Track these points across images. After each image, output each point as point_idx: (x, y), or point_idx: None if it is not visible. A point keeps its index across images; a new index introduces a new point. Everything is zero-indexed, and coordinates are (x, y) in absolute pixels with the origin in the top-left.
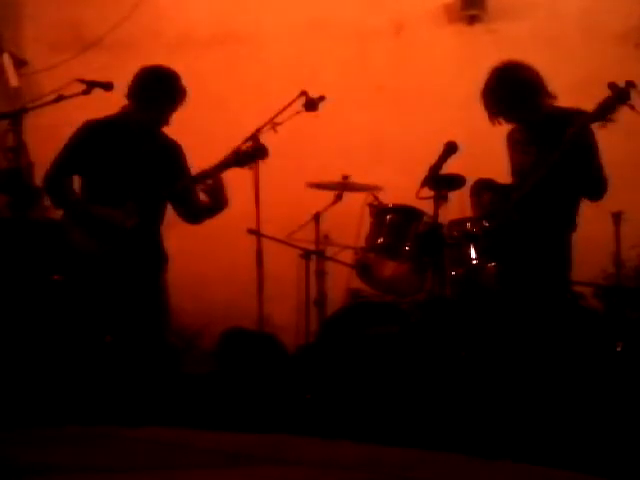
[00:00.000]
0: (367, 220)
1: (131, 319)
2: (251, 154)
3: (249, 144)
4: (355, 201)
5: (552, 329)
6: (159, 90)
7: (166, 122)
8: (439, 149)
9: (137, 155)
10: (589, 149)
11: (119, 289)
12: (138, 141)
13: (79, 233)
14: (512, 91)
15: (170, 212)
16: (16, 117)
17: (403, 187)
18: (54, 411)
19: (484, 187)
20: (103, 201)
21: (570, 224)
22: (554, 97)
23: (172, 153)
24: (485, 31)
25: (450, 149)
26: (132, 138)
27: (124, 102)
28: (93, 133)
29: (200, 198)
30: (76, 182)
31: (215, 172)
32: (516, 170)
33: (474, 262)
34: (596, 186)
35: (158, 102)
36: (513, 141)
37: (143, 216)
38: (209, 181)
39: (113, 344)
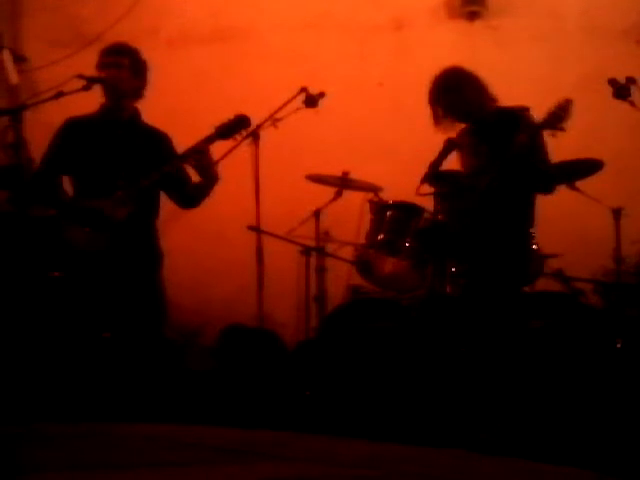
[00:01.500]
0: (367, 216)
1: (128, 315)
2: (233, 125)
3: (231, 117)
4: (355, 197)
5: (550, 325)
6: (113, 52)
7: (139, 89)
8: (439, 146)
9: (122, 147)
10: (536, 148)
11: (115, 285)
12: (121, 133)
13: (73, 230)
14: (454, 92)
15: (168, 208)
16: (16, 113)
17: (403, 183)
18: (52, 408)
19: (442, 179)
20: (92, 196)
21: (528, 220)
22: (496, 100)
23: (157, 142)
24: (485, 28)
25: (450, 146)
26: (115, 131)
27: None
28: (74, 131)
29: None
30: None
31: (200, 147)
32: (469, 172)
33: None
34: (544, 180)
35: (118, 64)
36: (460, 144)
37: (134, 206)
38: (197, 156)
39: (111, 340)
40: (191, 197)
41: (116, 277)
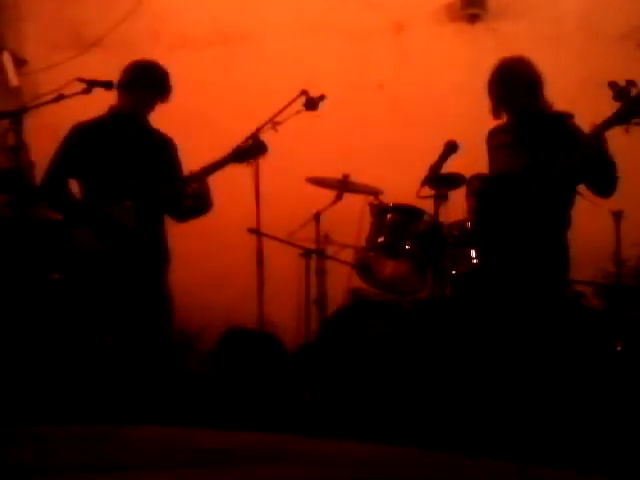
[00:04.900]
0: (367, 219)
1: (134, 318)
2: (249, 150)
3: (248, 141)
4: (355, 200)
5: (552, 328)
6: (148, 79)
7: (151, 109)
8: (439, 148)
9: (129, 152)
10: (602, 152)
11: (121, 288)
12: (129, 138)
13: (80, 233)
14: (520, 82)
15: None
16: (16, 116)
17: (403, 186)
18: (54, 410)
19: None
20: (102, 201)
21: (566, 222)
22: (549, 103)
23: (164, 147)
24: (486, 30)
25: (450, 148)
26: (123, 136)
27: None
28: (83, 135)
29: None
30: (75, 186)
31: (210, 171)
32: (498, 171)
33: (474, 262)
34: (608, 184)
35: (146, 91)
36: (496, 143)
37: (142, 214)
38: (194, 185)
39: (114, 343)
40: (182, 214)
41: (122, 280)
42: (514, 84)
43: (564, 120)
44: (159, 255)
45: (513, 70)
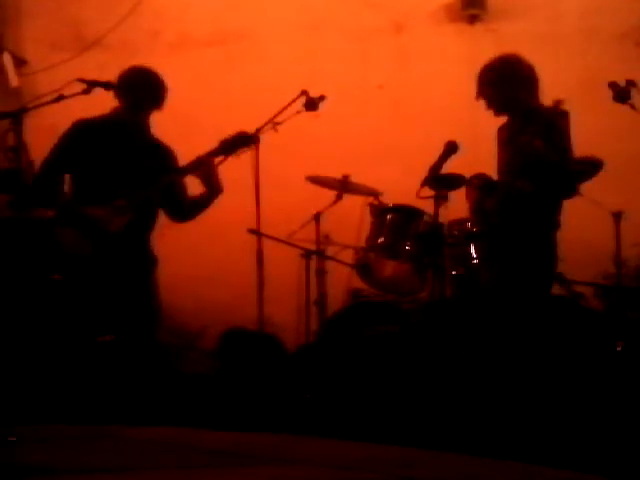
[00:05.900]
0: (367, 220)
1: (121, 320)
2: (237, 142)
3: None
4: (356, 201)
5: (552, 328)
6: (145, 91)
7: (145, 116)
8: (439, 148)
9: (127, 155)
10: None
11: (108, 290)
12: (129, 141)
13: (69, 233)
14: (508, 82)
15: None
16: (16, 117)
17: (403, 186)
18: (54, 411)
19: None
20: (93, 201)
21: (554, 223)
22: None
23: (163, 155)
24: (485, 30)
25: (450, 149)
26: (123, 138)
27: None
28: (83, 133)
29: (190, 194)
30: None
31: (202, 161)
32: (502, 169)
33: (474, 262)
34: (561, 184)
35: (143, 102)
36: (499, 139)
37: (133, 216)
38: (202, 167)
39: (111, 344)
40: (185, 211)
41: (109, 282)
42: (492, 85)
43: (548, 116)
44: (145, 259)
45: (492, 71)
